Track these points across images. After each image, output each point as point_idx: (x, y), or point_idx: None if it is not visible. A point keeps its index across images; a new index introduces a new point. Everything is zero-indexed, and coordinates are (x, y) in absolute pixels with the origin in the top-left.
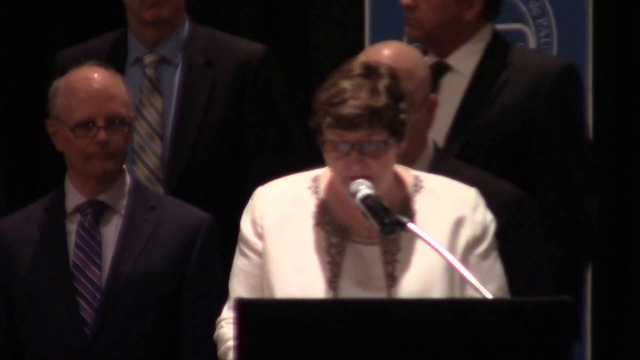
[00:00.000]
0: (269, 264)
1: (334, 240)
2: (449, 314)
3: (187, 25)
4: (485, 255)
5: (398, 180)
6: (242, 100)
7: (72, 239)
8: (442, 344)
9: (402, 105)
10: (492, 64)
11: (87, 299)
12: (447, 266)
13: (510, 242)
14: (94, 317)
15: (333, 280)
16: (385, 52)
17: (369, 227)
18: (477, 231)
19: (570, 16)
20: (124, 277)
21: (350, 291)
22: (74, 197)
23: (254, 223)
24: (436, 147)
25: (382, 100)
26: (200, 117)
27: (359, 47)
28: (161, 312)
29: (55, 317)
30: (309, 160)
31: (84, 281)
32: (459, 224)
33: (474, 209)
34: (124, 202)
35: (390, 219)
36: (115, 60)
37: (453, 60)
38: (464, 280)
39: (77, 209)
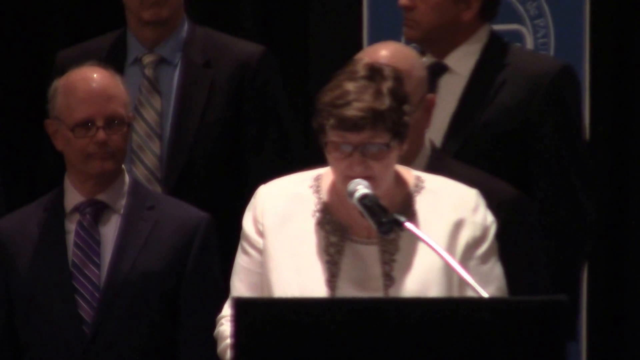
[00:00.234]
0: (268, 262)
1: (333, 239)
2: (445, 313)
3: (186, 26)
4: (485, 256)
5: (399, 181)
6: (241, 101)
7: (71, 238)
8: (438, 343)
9: (406, 107)
10: (490, 65)
11: (86, 298)
12: (445, 267)
13: (506, 242)
14: (93, 316)
15: (331, 280)
16: (383, 53)
17: (369, 227)
18: (477, 232)
19: (568, 17)
20: (123, 276)
21: (347, 291)
22: (73, 197)
23: (256, 221)
24: (433, 147)
25: (385, 102)
26: (198, 117)
27: (357, 47)
28: (160, 311)
29: (54, 316)
30: (307, 160)
31: (83, 280)
32: (458, 225)
33: (474, 210)
34: (123, 201)
35: (388, 218)
36: (115, 61)
37: (451, 60)
38: (462, 281)
39: (76, 209)
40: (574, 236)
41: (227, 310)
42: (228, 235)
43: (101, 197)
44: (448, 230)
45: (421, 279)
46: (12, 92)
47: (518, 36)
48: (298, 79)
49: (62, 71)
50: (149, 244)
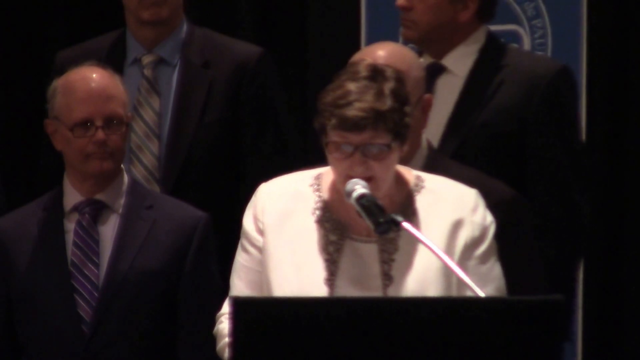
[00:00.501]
0: (268, 260)
1: (333, 237)
2: (442, 312)
3: (184, 27)
4: (484, 256)
5: (399, 180)
6: (239, 102)
7: (70, 237)
8: (436, 342)
9: (407, 108)
10: (487, 66)
11: (84, 297)
12: (444, 267)
13: (502, 242)
14: (92, 315)
15: (330, 278)
16: (380, 53)
17: (368, 226)
18: (476, 232)
19: (565, 17)
20: (122, 275)
21: (346, 289)
22: (72, 196)
23: (256, 219)
24: (430, 147)
25: (387, 103)
26: (197, 117)
27: (355, 48)
28: (158, 310)
29: (53, 315)
30: (305, 161)
31: (82, 279)
32: (457, 225)
33: (474, 210)
34: (122, 201)
35: (385, 218)
36: (114, 61)
37: (448, 61)
38: (460, 281)
39: (75, 208)
40: (570, 236)
41: (226, 308)
42: (226, 235)
43: (100, 196)
44: (447, 229)
45: (420, 278)
46: (12, 92)
47: (515, 37)
48: (296, 80)
49: (62, 71)
50: (147, 244)
